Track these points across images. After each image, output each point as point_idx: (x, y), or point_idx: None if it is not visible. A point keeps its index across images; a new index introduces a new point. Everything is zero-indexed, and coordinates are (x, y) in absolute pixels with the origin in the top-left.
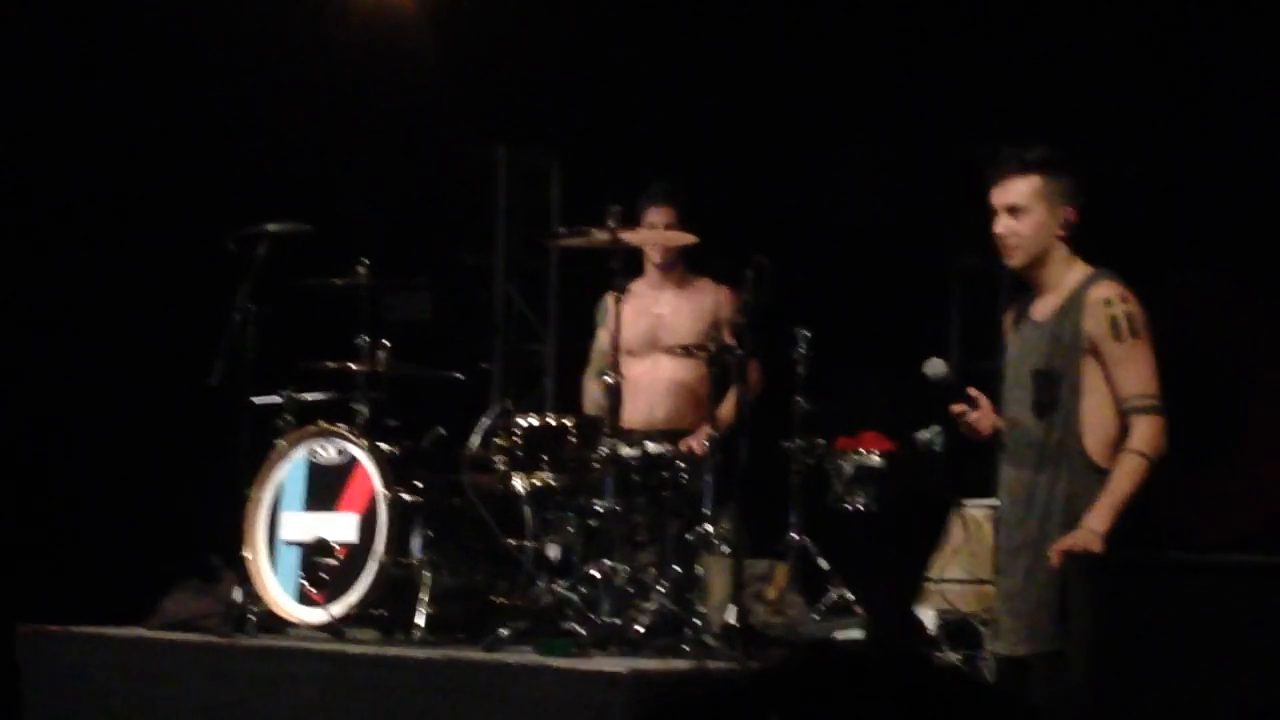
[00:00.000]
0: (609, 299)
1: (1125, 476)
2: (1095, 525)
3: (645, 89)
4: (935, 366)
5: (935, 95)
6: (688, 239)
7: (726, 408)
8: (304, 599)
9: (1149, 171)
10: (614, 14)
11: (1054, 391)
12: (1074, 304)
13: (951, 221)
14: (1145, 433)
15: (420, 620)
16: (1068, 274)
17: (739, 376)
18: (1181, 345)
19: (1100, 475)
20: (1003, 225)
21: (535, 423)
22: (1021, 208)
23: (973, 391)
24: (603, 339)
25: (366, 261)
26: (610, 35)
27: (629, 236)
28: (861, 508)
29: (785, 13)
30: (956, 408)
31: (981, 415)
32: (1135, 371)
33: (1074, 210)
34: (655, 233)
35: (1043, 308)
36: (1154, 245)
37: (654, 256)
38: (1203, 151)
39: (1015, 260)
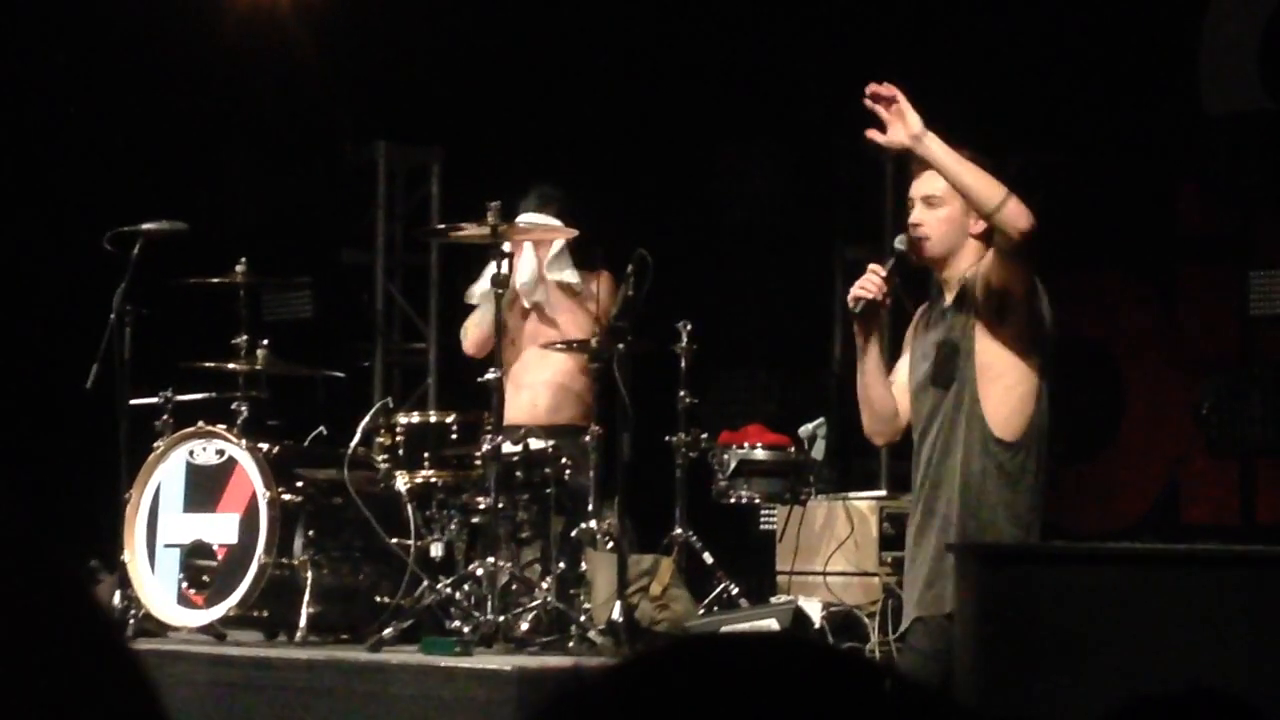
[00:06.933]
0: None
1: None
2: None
3: (525, 83)
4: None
5: (819, 86)
6: (568, 233)
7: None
8: (184, 601)
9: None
10: (493, 10)
11: (954, 362)
12: (972, 279)
13: (836, 213)
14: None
15: (303, 621)
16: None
17: (619, 371)
18: (1065, 338)
19: (999, 446)
20: (917, 214)
21: (416, 420)
22: (937, 199)
23: None
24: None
25: (245, 260)
26: (490, 30)
27: (510, 233)
28: (745, 500)
29: (666, 5)
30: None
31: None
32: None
33: None
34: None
35: (948, 298)
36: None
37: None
38: (1084, 146)
39: (927, 250)
